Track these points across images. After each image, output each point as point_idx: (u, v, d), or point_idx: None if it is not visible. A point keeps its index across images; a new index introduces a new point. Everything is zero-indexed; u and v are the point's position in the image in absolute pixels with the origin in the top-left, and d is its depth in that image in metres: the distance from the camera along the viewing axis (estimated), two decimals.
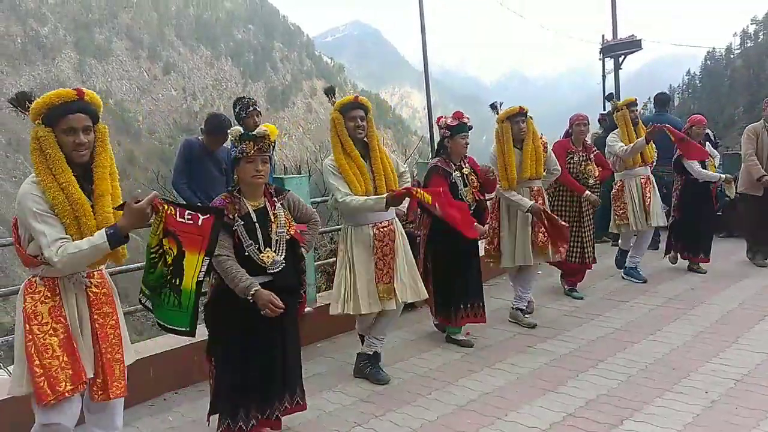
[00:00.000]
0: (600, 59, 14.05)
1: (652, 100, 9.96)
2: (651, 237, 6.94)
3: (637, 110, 6.67)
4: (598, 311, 5.76)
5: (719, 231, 9.25)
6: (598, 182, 6.12)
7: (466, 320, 4.97)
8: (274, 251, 3.17)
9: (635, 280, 6.72)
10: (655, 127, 6.16)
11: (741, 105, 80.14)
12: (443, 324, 5.13)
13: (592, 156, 6.11)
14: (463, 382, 4.23)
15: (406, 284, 4.22)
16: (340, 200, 3.99)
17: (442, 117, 4.86)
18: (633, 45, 13.44)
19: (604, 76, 14.10)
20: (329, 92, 4.22)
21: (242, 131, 3.17)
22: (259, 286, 3.05)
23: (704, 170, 6.72)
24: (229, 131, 3.21)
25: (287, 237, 3.23)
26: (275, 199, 3.29)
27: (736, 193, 7.29)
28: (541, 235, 5.23)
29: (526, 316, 5.53)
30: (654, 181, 6.64)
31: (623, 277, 6.85)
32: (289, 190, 3.46)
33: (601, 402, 3.81)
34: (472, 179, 4.84)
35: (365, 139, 4.12)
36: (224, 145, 4.92)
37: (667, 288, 6.47)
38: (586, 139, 6.27)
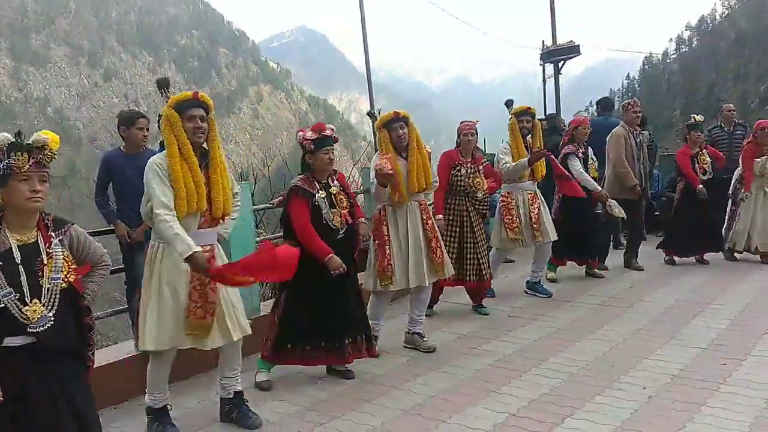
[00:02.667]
0: (540, 65, 14.35)
1: (594, 104, 10.23)
2: (549, 250, 6.46)
3: (529, 120, 6.09)
4: (540, 311, 5.85)
5: (657, 230, 9.57)
6: (487, 196, 5.79)
7: (323, 360, 4.35)
8: (44, 304, 2.38)
9: (541, 295, 6.37)
10: (539, 152, 5.85)
11: (678, 107, 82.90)
12: (263, 359, 4.38)
13: (481, 168, 5.75)
14: (409, 386, 4.23)
15: (226, 319, 3.55)
16: (157, 215, 3.28)
17: (302, 130, 4.30)
18: (572, 50, 13.75)
19: (544, 81, 14.39)
20: (162, 85, 3.61)
21: (11, 139, 2.40)
22: None
23: (585, 174, 6.59)
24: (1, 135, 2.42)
25: (63, 285, 2.46)
26: (52, 233, 2.51)
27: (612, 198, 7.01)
28: (439, 251, 4.89)
29: (425, 339, 5.02)
30: (541, 195, 6.28)
31: (526, 292, 6.51)
32: (73, 223, 2.65)
33: (543, 401, 3.86)
34: (341, 199, 4.25)
35: (204, 145, 3.51)
36: (149, 149, 4.72)
37: (607, 287, 6.63)
38: (475, 149, 5.85)
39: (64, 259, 2.47)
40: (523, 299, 6.33)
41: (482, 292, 5.97)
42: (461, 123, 5.80)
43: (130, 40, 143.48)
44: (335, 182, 4.30)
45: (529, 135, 6.09)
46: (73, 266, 2.52)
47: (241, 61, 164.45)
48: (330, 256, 4.07)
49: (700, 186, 7.28)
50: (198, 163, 3.43)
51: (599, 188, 6.65)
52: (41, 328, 2.36)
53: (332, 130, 4.27)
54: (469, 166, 5.64)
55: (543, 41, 13.85)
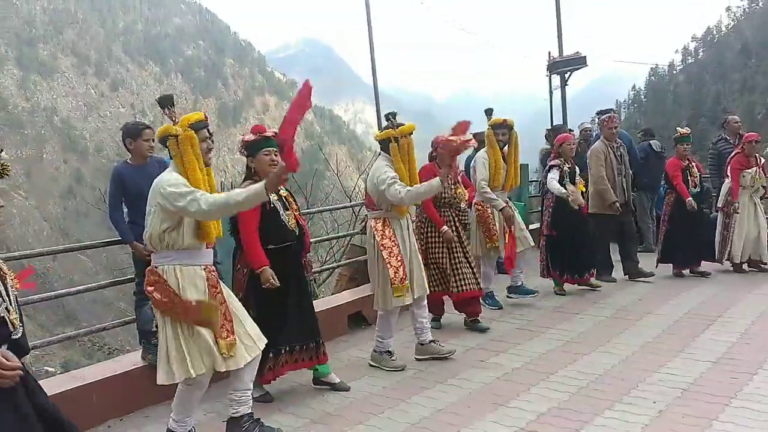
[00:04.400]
0: (547, 76, 14.35)
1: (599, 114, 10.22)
2: (525, 256, 6.57)
3: (505, 132, 6.14)
4: (548, 324, 5.81)
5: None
6: (467, 206, 5.89)
7: (288, 367, 4.26)
8: (14, 310, 2.38)
9: (526, 297, 6.52)
10: (507, 212, 6.02)
11: (684, 119, 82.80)
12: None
13: (459, 179, 5.81)
14: (416, 400, 4.20)
15: (243, 336, 3.52)
16: (200, 197, 3.20)
17: (243, 135, 4.22)
18: (578, 62, 13.75)
19: (551, 93, 14.35)
20: (165, 103, 3.49)
21: None
22: None
23: (556, 185, 6.64)
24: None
25: (15, 293, 2.46)
26: None
27: (589, 213, 7.19)
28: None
29: (441, 344, 5.06)
30: (513, 204, 6.35)
31: (509, 297, 6.58)
32: None
33: (552, 415, 3.82)
34: (290, 202, 4.27)
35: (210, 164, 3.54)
36: (154, 156, 4.68)
37: (615, 299, 6.59)
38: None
39: (6, 269, 2.45)
40: (531, 312, 6.29)
41: (478, 306, 5.85)
42: (437, 136, 5.60)
43: (137, 51, 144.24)
44: (283, 186, 4.07)
45: (506, 146, 6.19)
46: (12, 274, 2.49)
47: (247, 71, 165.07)
48: (263, 268, 3.97)
49: (689, 199, 7.33)
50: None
51: (563, 189, 6.62)
52: (19, 334, 2.37)
53: (275, 133, 4.07)
54: (449, 178, 5.54)
55: (549, 52, 13.84)
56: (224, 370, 3.37)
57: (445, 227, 5.47)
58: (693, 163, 7.60)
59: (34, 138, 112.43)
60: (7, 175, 2.43)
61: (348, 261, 7.58)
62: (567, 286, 7.04)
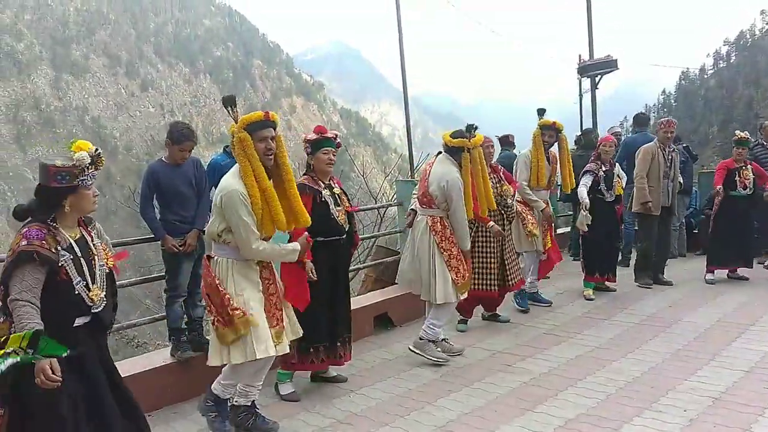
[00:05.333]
0: (577, 79, 14.17)
1: (629, 119, 10.10)
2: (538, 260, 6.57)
3: (552, 134, 6.28)
4: (576, 329, 5.76)
5: (696, 249, 9.39)
6: (513, 200, 5.95)
7: (329, 362, 4.45)
8: (99, 287, 2.79)
9: (542, 304, 6.54)
10: (550, 219, 6.39)
11: (715, 124, 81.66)
12: (285, 369, 4.40)
13: (502, 176, 5.90)
14: (442, 402, 4.18)
15: (288, 325, 3.78)
16: (254, 247, 3.43)
17: (305, 134, 4.45)
18: (609, 65, 13.55)
19: (581, 96, 14.18)
20: (229, 102, 3.53)
21: (89, 156, 2.72)
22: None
23: (582, 191, 6.65)
24: (75, 155, 2.70)
25: (106, 270, 2.87)
26: (90, 229, 2.91)
27: (633, 211, 7.40)
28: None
29: (438, 349, 5.09)
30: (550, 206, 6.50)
31: (527, 303, 6.50)
32: (93, 220, 3.01)
33: (581, 421, 3.78)
34: (343, 200, 4.44)
35: (270, 165, 3.57)
36: (191, 156, 4.72)
37: (644, 306, 6.50)
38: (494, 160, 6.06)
39: (102, 248, 2.90)
40: (559, 316, 6.23)
41: (500, 300, 6.04)
42: None
43: (167, 51, 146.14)
44: (336, 185, 4.45)
45: (551, 148, 6.33)
46: (109, 253, 2.96)
47: (275, 73, 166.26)
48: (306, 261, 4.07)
49: (719, 187, 7.32)
50: (271, 184, 3.49)
51: (587, 202, 6.61)
52: (100, 309, 2.78)
53: (335, 134, 4.37)
54: (493, 176, 5.74)
55: (579, 55, 13.68)
56: (274, 354, 3.56)
57: (491, 222, 5.54)
58: (748, 166, 7.47)
59: (66, 137, 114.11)
60: (101, 166, 2.81)
61: (374, 262, 7.58)
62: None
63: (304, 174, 4.38)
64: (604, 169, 6.78)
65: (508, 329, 5.87)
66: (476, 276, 5.61)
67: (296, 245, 3.65)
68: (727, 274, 7.63)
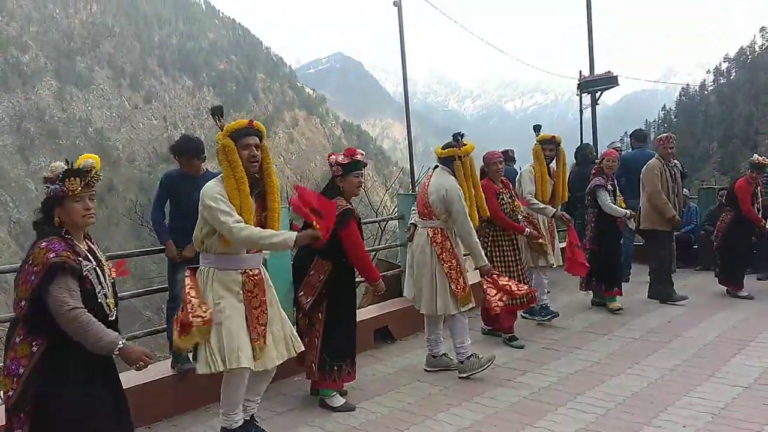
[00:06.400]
0: (577, 95, 14.27)
1: (628, 135, 10.14)
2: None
3: (552, 148, 6.37)
4: (576, 344, 5.76)
5: (695, 265, 9.40)
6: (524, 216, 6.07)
7: (348, 378, 4.48)
8: (110, 297, 2.83)
9: (540, 319, 6.48)
10: (565, 218, 6.37)
11: (715, 139, 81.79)
12: (325, 387, 4.39)
13: (513, 192, 5.99)
14: (442, 417, 4.18)
15: (277, 341, 3.66)
16: (235, 229, 3.35)
17: (333, 154, 4.44)
18: (609, 81, 13.67)
19: (581, 111, 14.27)
20: (216, 113, 3.58)
21: (65, 167, 2.70)
22: (124, 339, 2.71)
23: (613, 205, 6.69)
24: (51, 166, 2.73)
25: (111, 280, 2.88)
26: (93, 242, 2.93)
27: (639, 228, 7.42)
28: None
29: (481, 356, 4.99)
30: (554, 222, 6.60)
31: (526, 316, 6.51)
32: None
33: None
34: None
35: (256, 174, 3.57)
36: (208, 170, 4.80)
37: (644, 321, 6.50)
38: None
39: (105, 260, 2.93)
40: (559, 331, 6.24)
41: (514, 317, 5.92)
42: (487, 153, 5.93)
43: (171, 64, 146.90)
44: None
45: (552, 162, 6.43)
46: (110, 264, 2.96)
47: (278, 86, 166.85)
48: (380, 280, 4.41)
49: (764, 222, 7.40)
50: (249, 192, 3.48)
51: (627, 212, 6.70)
52: (113, 317, 2.83)
53: (362, 155, 4.42)
54: (505, 192, 5.83)
55: (580, 71, 13.79)
56: (255, 369, 3.50)
57: (527, 228, 5.85)
58: (759, 188, 7.59)
59: (69, 148, 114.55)
60: (92, 181, 2.77)
61: None
62: (588, 305, 7.10)
63: (338, 197, 4.29)
64: (609, 183, 6.82)
65: (505, 343, 5.86)
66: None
67: (291, 234, 3.47)
68: (727, 291, 7.63)
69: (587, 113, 14.11)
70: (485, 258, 5.00)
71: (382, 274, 7.10)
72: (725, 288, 7.68)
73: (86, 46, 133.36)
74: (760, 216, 7.47)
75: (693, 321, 6.44)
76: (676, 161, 9.11)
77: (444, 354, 5.18)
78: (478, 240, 4.93)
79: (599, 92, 14.06)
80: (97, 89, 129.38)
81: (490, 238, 5.79)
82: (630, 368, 5.02)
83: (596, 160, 9.01)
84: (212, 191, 3.44)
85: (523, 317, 6.49)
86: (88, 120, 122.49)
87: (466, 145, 4.95)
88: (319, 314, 4.33)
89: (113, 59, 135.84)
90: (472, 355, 4.98)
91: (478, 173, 5.24)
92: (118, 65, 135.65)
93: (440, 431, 3.95)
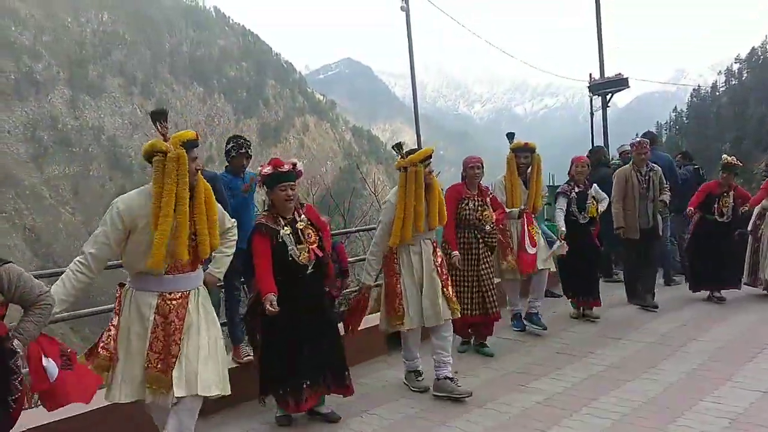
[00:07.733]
0: (588, 97, 14.19)
1: (639, 137, 10.06)
2: (545, 280, 6.39)
3: (527, 155, 6.18)
4: (590, 348, 5.71)
5: None
6: (495, 228, 5.64)
7: (303, 406, 4.08)
8: None
9: (536, 327, 6.26)
10: (524, 212, 6.02)
11: (727, 141, 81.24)
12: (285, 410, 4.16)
13: (488, 200, 5.65)
14: (455, 423, 4.16)
15: (192, 373, 3.22)
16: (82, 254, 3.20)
17: (262, 166, 4.11)
18: (620, 83, 13.57)
19: (592, 114, 14.19)
20: (158, 117, 3.33)
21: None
22: None
23: (558, 213, 6.51)
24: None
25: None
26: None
27: (617, 231, 7.08)
28: (450, 287, 4.76)
29: (458, 384, 4.66)
30: (544, 226, 6.49)
31: (524, 323, 6.38)
32: (9, 261, 2.67)
33: None
34: (308, 233, 4.09)
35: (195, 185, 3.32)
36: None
37: (658, 325, 6.45)
38: (481, 183, 5.72)
39: None
40: (571, 335, 6.19)
41: (488, 329, 5.73)
42: (467, 158, 5.75)
43: (182, 71, 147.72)
44: (302, 217, 4.12)
45: (528, 169, 6.22)
46: None
47: (288, 92, 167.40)
48: (267, 294, 3.84)
49: (691, 208, 7.28)
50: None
51: (563, 230, 6.42)
52: None
53: (293, 165, 4.06)
54: (476, 199, 5.55)
55: (590, 74, 13.71)
56: (147, 401, 3.22)
57: (455, 252, 5.23)
58: (731, 192, 7.37)
59: (82, 155, 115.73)
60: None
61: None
62: (607, 309, 6.97)
63: (265, 211, 4.12)
64: (576, 190, 6.62)
65: (519, 349, 5.85)
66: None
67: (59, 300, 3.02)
68: (709, 295, 7.49)
69: (598, 115, 14.02)
70: (371, 278, 4.77)
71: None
72: (734, 292, 7.50)
73: (98, 55, 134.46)
74: (730, 221, 7.33)
75: (707, 325, 6.38)
76: (696, 166, 9.01)
77: (449, 377, 4.67)
78: (373, 257, 4.73)
79: (610, 94, 13.97)
80: (109, 97, 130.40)
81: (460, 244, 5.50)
82: (644, 373, 4.97)
83: (609, 163, 8.98)
84: (114, 207, 3.23)
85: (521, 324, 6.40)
86: (101, 128, 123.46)
87: (412, 154, 4.67)
88: (258, 336, 4.16)
89: (125, 67, 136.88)
90: (413, 372, 4.89)
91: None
92: (130, 73, 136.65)
93: None
